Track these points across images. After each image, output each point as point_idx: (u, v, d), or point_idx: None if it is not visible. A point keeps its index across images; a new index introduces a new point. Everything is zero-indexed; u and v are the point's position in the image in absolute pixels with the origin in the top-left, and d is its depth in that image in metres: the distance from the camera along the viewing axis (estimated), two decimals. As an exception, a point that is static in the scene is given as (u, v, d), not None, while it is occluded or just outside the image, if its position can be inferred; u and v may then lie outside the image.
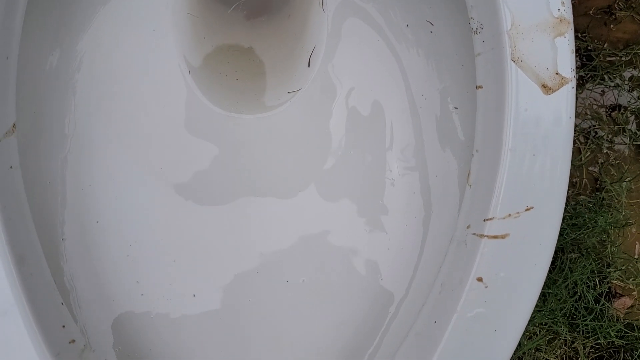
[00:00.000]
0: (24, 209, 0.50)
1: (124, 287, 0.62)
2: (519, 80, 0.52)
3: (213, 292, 0.65)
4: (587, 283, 0.96)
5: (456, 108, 0.66)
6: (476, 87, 0.56)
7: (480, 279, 0.52)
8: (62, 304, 0.51)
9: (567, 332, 0.95)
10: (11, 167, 0.49)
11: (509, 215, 0.52)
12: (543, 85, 0.52)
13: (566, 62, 0.52)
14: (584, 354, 0.95)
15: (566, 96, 0.52)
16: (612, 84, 0.99)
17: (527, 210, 0.52)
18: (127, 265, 0.63)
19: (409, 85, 0.68)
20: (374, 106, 0.68)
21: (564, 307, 0.95)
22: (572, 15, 0.52)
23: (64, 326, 0.50)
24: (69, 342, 0.50)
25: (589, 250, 0.97)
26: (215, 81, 0.69)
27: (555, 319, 0.94)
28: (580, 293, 0.96)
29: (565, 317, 0.96)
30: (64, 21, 0.63)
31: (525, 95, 0.52)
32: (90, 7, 0.64)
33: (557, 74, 0.52)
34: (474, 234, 0.53)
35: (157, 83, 0.66)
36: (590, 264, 0.95)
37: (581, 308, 0.96)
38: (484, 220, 0.52)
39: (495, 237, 0.52)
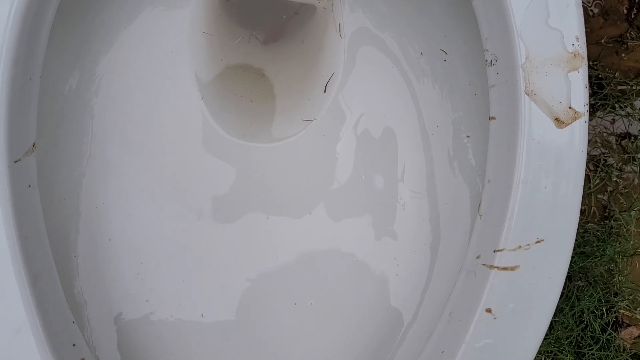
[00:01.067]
0: (41, 228, 0.51)
1: (134, 306, 0.62)
2: (532, 113, 0.52)
3: (221, 312, 0.65)
4: (594, 312, 0.96)
5: (468, 137, 0.66)
6: (489, 118, 0.56)
7: (489, 310, 0.52)
8: (74, 322, 0.52)
9: (573, 361, 0.95)
10: (30, 185, 0.49)
11: (520, 247, 0.52)
12: (556, 119, 0.53)
13: (579, 97, 0.53)
14: (590, 384, 0.94)
15: (579, 130, 0.53)
16: (623, 113, 1.00)
17: (537, 242, 0.53)
18: (137, 284, 0.63)
19: (421, 113, 0.68)
20: (385, 132, 0.69)
21: (570, 336, 0.95)
22: (586, 50, 0.53)
23: (74, 345, 0.51)
24: (79, 361, 0.51)
25: (596, 278, 0.97)
26: (229, 104, 0.70)
27: (561, 347, 0.94)
28: (587, 322, 0.95)
29: (572, 346, 0.95)
30: (84, 44, 0.64)
31: (538, 128, 0.53)
32: (111, 30, 0.65)
33: (570, 108, 0.53)
34: (484, 264, 0.53)
35: (172, 105, 0.67)
36: (597, 293, 0.95)
37: (587, 337, 0.95)
38: (494, 251, 0.53)
39: (505, 268, 0.52)
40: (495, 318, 0.52)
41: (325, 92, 0.70)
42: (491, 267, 0.53)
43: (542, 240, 0.52)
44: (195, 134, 0.68)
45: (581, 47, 0.53)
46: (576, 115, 0.53)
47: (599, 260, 0.95)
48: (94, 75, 0.65)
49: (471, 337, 0.52)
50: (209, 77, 0.70)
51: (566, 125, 0.53)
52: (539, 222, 0.53)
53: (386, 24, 0.69)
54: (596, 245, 0.94)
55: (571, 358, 0.94)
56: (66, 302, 0.52)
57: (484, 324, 0.52)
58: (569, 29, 0.53)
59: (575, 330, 0.95)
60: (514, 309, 0.52)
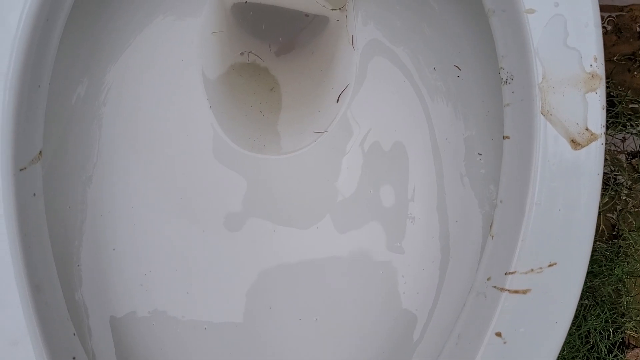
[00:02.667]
0: (44, 237, 0.50)
1: (136, 317, 0.61)
2: (547, 133, 0.51)
3: (225, 326, 0.64)
4: (600, 332, 0.95)
5: (480, 154, 0.65)
6: (503, 137, 0.55)
7: (499, 334, 0.51)
8: (74, 334, 0.51)
9: (579, 382, 0.94)
10: (34, 194, 0.49)
11: (532, 270, 0.51)
12: (572, 140, 0.52)
13: (596, 118, 0.52)
14: (596, 406, 0.93)
15: (595, 152, 0.52)
16: (634, 131, 0.99)
17: (550, 266, 0.51)
18: (140, 294, 0.62)
19: (433, 128, 0.68)
20: (396, 147, 0.68)
21: (576, 357, 0.94)
22: (604, 71, 0.52)
23: (74, 358, 0.50)
24: (79, 374, 0.50)
25: (603, 298, 0.95)
26: (238, 114, 0.69)
27: (567, 367, 0.92)
28: (593, 342, 0.94)
29: (577, 368, 0.94)
30: (94, 52, 0.64)
31: (553, 149, 0.51)
32: (121, 39, 0.64)
33: (586, 129, 0.52)
34: (495, 287, 0.52)
35: (181, 115, 0.66)
36: (604, 313, 0.94)
37: (593, 358, 0.94)
38: (506, 274, 0.52)
39: (516, 291, 0.51)
40: (505, 342, 0.51)
41: (337, 102, 0.69)
42: (502, 289, 0.52)
43: (555, 263, 0.51)
44: (203, 144, 0.67)
45: (599, 68, 0.52)
46: (592, 137, 0.52)
47: (606, 280, 0.94)
48: (103, 84, 0.64)
49: (480, 361, 0.51)
50: (219, 87, 0.69)
51: (582, 147, 0.52)
52: (552, 245, 0.51)
53: (399, 37, 0.69)
54: (604, 265, 0.93)
55: (577, 379, 0.93)
56: (67, 314, 0.51)
57: (494, 348, 0.51)
58: (587, 49, 0.52)
59: (581, 351, 0.94)
60: (524, 333, 0.51)
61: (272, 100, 0.72)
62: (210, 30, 0.67)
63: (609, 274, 0.93)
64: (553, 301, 0.51)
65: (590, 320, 0.93)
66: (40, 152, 0.50)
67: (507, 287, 0.51)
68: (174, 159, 0.66)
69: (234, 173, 0.67)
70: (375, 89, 0.69)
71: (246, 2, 0.68)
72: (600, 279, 0.93)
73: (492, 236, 0.55)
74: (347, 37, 0.69)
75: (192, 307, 0.64)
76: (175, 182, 0.65)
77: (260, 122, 0.70)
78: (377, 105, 0.69)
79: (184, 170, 0.66)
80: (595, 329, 0.94)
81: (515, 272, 0.51)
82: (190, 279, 0.64)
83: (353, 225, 0.67)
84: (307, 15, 0.69)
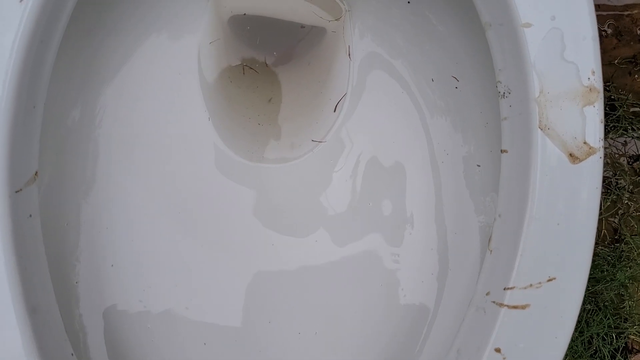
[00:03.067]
0: (41, 258, 0.50)
1: (135, 333, 0.61)
2: (545, 148, 0.51)
3: (224, 341, 0.64)
4: (603, 338, 0.94)
5: (479, 166, 0.65)
6: (501, 151, 0.55)
7: (498, 350, 0.51)
8: (72, 354, 0.51)
9: (583, 387, 0.93)
10: (30, 215, 0.49)
11: (531, 285, 0.51)
12: (570, 155, 0.51)
13: (594, 132, 0.51)
14: (599, 413, 0.92)
15: (593, 166, 0.51)
16: (635, 135, 0.98)
17: (549, 280, 0.51)
18: (139, 310, 0.62)
19: (431, 140, 0.67)
20: (394, 159, 0.68)
21: (580, 362, 0.93)
22: (602, 84, 0.52)
23: (72, 378, 0.50)
24: (77, 395, 0.50)
25: (606, 303, 0.95)
26: (236, 126, 0.69)
27: (570, 374, 0.92)
28: (597, 348, 0.94)
29: (580, 372, 0.94)
30: (88, 73, 0.63)
31: (552, 164, 0.51)
32: (116, 58, 0.64)
33: (584, 143, 0.51)
34: (494, 302, 0.52)
35: (179, 127, 0.66)
36: (607, 319, 0.93)
37: (597, 362, 0.94)
38: (505, 289, 0.51)
39: (515, 307, 0.51)
40: (504, 358, 0.51)
41: (335, 111, 0.69)
42: (501, 305, 0.51)
43: (554, 278, 0.51)
44: (202, 156, 0.67)
45: (597, 81, 0.52)
46: (591, 151, 0.52)
47: (609, 285, 0.93)
48: (98, 104, 0.64)
49: (479, 378, 0.51)
50: (217, 98, 0.69)
51: (580, 160, 0.51)
52: (551, 260, 0.51)
53: (396, 49, 0.68)
54: (606, 270, 0.93)
55: (581, 384, 0.93)
56: (65, 334, 0.51)
57: (493, 364, 0.51)
58: (585, 63, 0.52)
59: (584, 356, 0.94)
60: (524, 349, 0.51)
61: (270, 111, 0.71)
62: (208, 42, 0.67)
63: (611, 279, 0.93)
64: (552, 316, 0.51)
65: (593, 326, 0.93)
66: (36, 172, 0.50)
67: (506, 302, 0.51)
68: (172, 173, 0.66)
69: (233, 183, 0.67)
70: (373, 101, 0.69)
71: (244, 14, 0.68)
72: (602, 284, 0.93)
73: (491, 250, 0.55)
74: (344, 48, 0.69)
75: (190, 323, 0.63)
76: (174, 196, 0.65)
77: (259, 133, 0.70)
78: (375, 117, 0.69)
79: (182, 183, 0.66)
80: (598, 334, 0.94)
81: (514, 287, 0.51)
82: (189, 294, 0.64)
83: (351, 237, 0.67)
84: (303, 27, 0.69)
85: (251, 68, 0.67)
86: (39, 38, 0.47)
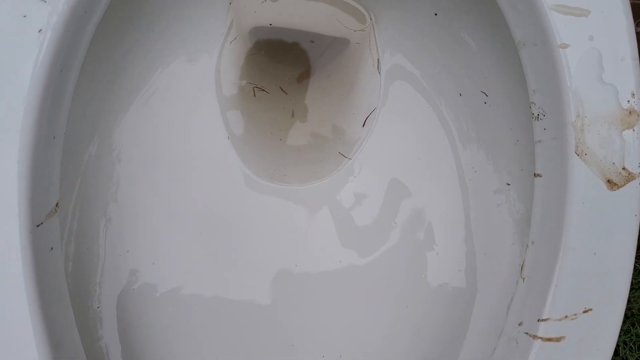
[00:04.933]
0: (63, 293, 0.49)
1: (158, 358, 0.61)
2: (582, 174, 0.49)
3: (248, 363, 0.63)
4: (631, 347, 0.93)
5: (508, 184, 0.63)
6: (534, 175, 0.53)
7: (532, 383, 0.49)
8: (96, 386, 0.50)
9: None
10: (52, 248, 0.48)
11: (566, 316, 0.49)
12: (608, 181, 0.49)
13: (634, 157, 0.49)
14: None
15: (632, 193, 0.49)
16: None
17: (585, 312, 0.49)
18: (161, 334, 0.61)
19: (459, 157, 0.65)
20: (419, 176, 0.66)
21: (606, 372, 0.92)
22: (643, 107, 0.49)
23: (96, 412, 0.49)
24: None
25: (634, 311, 0.93)
26: (257, 143, 0.67)
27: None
28: (623, 356, 0.92)
29: (606, 382, 0.92)
30: (110, 90, 0.62)
31: (589, 190, 0.49)
32: (137, 79, 0.63)
33: (623, 169, 0.49)
34: (527, 333, 0.50)
35: (198, 148, 0.65)
36: (635, 327, 0.91)
37: (623, 372, 0.92)
38: (539, 321, 0.49)
39: (549, 339, 0.49)
40: (538, 392, 0.49)
41: (364, 126, 0.67)
42: (535, 337, 0.49)
43: (590, 309, 0.49)
44: (222, 175, 0.65)
45: (637, 104, 0.49)
46: (630, 177, 0.49)
47: (637, 293, 0.91)
48: (118, 125, 0.63)
49: (512, 412, 0.49)
50: (236, 115, 0.67)
51: (619, 187, 0.49)
52: (587, 291, 0.49)
53: (422, 62, 0.66)
54: (634, 278, 0.91)
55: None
56: (89, 368, 0.50)
57: (527, 398, 0.49)
58: (625, 84, 0.49)
59: (610, 367, 0.92)
60: (559, 382, 0.49)
61: (292, 127, 0.70)
62: (227, 61, 0.65)
63: (640, 288, 0.91)
64: (588, 349, 0.49)
65: (621, 334, 0.91)
66: (57, 204, 0.48)
67: (539, 334, 0.49)
68: (193, 194, 0.64)
69: (255, 205, 0.66)
70: (399, 116, 0.67)
71: (270, 24, 0.66)
72: (631, 292, 0.91)
73: (524, 279, 0.53)
74: (372, 60, 0.67)
75: (214, 349, 0.62)
76: (194, 217, 0.64)
77: (280, 151, 0.68)
78: (401, 132, 0.67)
79: (203, 204, 0.65)
80: (625, 343, 0.92)
81: (549, 318, 0.49)
82: (210, 319, 0.63)
83: (376, 258, 0.66)
84: (312, 42, 0.67)
85: (262, 90, 0.65)
86: (59, 67, 0.46)
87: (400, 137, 0.67)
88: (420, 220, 0.66)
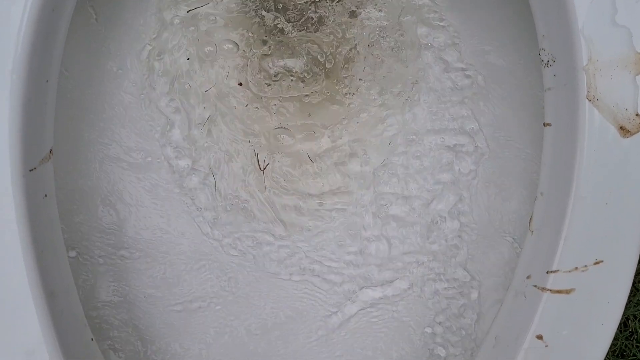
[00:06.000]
0: (58, 241, 0.47)
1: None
2: (593, 120, 0.47)
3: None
4: (640, 319, 0.91)
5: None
6: (544, 124, 0.51)
7: (540, 337, 0.48)
8: (92, 339, 0.49)
9: (617, 370, 0.91)
10: (46, 195, 0.46)
11: (576, 268, 0.48)
12: (621, 128, 0.47)
13: (648, 103, 0.47)
14: (635, 395, 0.90)
15: (646, 140, 0.47)
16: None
17: (596, 264, 0.48)
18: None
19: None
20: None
21: (615, 344, 0.90)
22: (657, 51, 0.47)
23: (93, 365, 0.48)
24: (98, 382, 0.48)
25: (644, 283, 0.92)
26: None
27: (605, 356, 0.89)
28: (632, 329, 0.91)
29: (615, 355, 0.91)
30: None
31: (600, 137, 0.47)
32: None
33: (637, 115, 0.47)
34: (535, 286, 0.49)
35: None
36: (645, 300, 0.90)
37: (633, 345, 0.90)
38: (547, 273, 0.48)
39: (559, 291, 0.48)
40: (546, 346, 0.48)
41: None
42: (543, 289, 0.48)
43: (601, 261, 0.48)
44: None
45: (652, 47, 0.47)
46: (644, 124, 0.47)
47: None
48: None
49: (519, 366, 0.48)
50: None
51: (632, 134, 0.47)
52: (598, 242, 0.48)
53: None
54: (644, 250, 0.89)
55: (615, 367, 0.90)
56: (84, 319, 0.49)
57: (534, 351, 0.48)
58: (639, 27, 0.47)
59: (620, 338, 0.91)
60: (567, 336, 0.48)
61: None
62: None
63: (650, 259, 0.89)
64: (599, 301, 0.48)
65: (630, 307, 0.90)
66: (51, 150, 0.47)
67: (548, 286, 0.48)
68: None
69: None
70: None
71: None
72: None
73: (532, 232, 0.51)
74: None
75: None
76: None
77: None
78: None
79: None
80: (634, 316, 0.91)
81: (558, 270, 0.48)
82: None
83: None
84: None
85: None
86: (51, 7, 0.44)
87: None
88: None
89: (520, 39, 0.62)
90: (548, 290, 0.48)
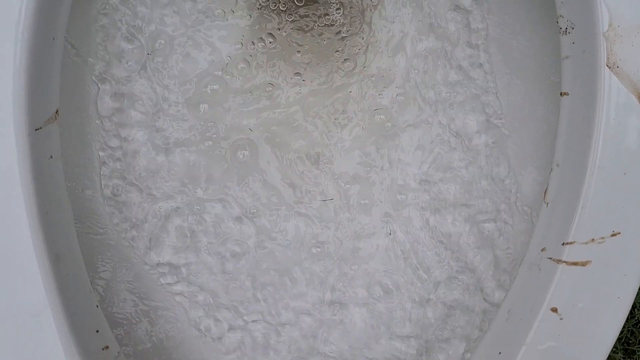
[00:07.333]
0: (63, 203, 0.46)
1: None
2: (612, 88, 0.46)
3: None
4: (646, 307, 0.90)
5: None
6: (561, 94, 0.50)
7: (554, 310, 0.47)
8: (97, 306, 0.48)
9: (622, 358, 0.90)
10: (51, 156, 0.45)
11: (593, 240, 0.46)
12: (640, 96, 0.46)
13: (670, 71, 0.46)
14: (641, 383, 0.89)
15: (666, 109, 0.46)
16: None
17: (613, 235, 0.47)
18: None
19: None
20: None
21: (622, 331, 0.89)
22: (680, 16, 0.46)
23: (97, 331, 0.47)
24: (102, 349, 0.47)
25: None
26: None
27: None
28: (638, 318, 0.90)
29: (621, 342, 0.90)
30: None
31: (619, 105, 0.46)
32: None
33: (658, 83, 0.46)
34: (550, 258, 0.48)
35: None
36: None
37: (638, 333, 0.90)
38: (563, 244, 0.47)
39: (575, 263, 0.47)
40: (561, 318, 0.47)
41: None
42: (559, 261, 0.47)
43: (619, 233, 0.47)
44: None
45: (675, 13, 0.46)
46: (665, 92, 0.46)
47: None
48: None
49: (533, 339, 0.47)
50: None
51: (653, 102, 0.46)
52: (616, 213, 0.47)
53: None
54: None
55: (620, 355, 0.89)
56: (90, 284, 0.48)
57: (549, 324, 0.47)
58: (662, -8, 0.46)
59: (626, 327, 0.90)
60: (583, 309, 0.47)
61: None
62: None
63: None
64: (616, 274, 0.47)
65: (637, 295, 0.89)
66: (57, 111, 0.46)
67: (564, 258, 0.47)
68: None
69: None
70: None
71: None
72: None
73: (547, 203, 0.50)
74: None
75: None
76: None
77: None
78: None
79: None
80: (640, 303, 0.90)
81: (574, 242, 0.47)
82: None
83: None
84: None
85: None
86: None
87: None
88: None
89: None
90: (563, 262, 0.47)
